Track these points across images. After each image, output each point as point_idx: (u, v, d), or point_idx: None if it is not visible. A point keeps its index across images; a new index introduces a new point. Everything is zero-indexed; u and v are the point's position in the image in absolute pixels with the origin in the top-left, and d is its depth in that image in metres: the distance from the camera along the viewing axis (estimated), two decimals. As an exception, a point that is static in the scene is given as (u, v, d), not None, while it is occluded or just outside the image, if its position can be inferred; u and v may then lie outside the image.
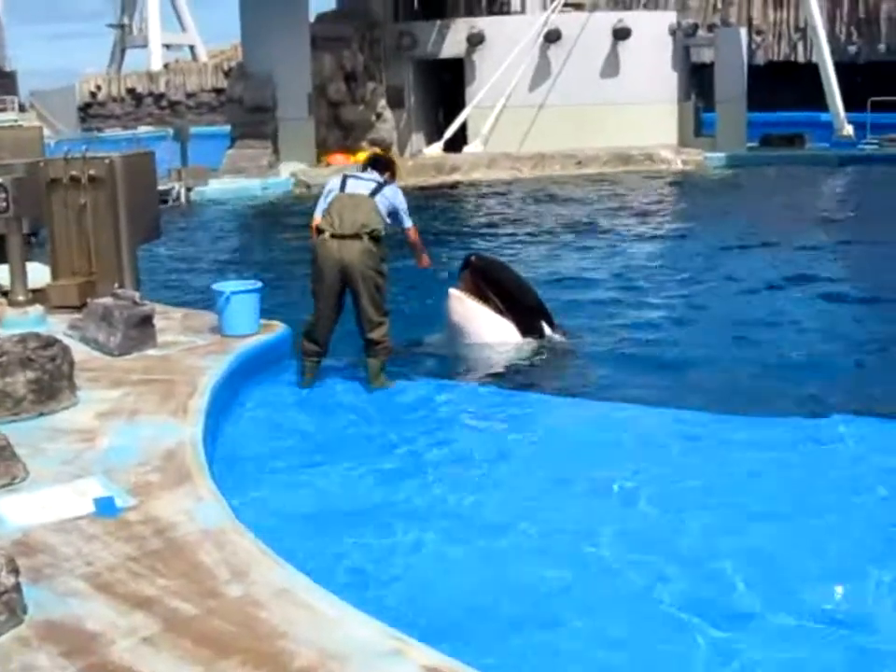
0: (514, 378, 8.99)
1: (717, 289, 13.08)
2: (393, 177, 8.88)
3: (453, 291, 9.29)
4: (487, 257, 9.49)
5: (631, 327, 11.06)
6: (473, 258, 9.42)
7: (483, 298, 9.39)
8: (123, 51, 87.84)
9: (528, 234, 18.76)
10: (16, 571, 4.07)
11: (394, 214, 8.69)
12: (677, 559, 5.31)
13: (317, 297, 8.54)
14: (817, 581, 5.10)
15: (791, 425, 7.54)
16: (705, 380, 8.99)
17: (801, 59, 49.09)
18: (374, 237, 8.33)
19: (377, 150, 30.61)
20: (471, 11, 34.82)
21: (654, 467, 6.66)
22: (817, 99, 32.61)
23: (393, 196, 8.69)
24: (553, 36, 31.73)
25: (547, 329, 9.73)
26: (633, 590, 5.04)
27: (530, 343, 9.53)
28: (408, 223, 8.86)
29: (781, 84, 45.54)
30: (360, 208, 8.44)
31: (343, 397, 8.46)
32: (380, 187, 8.64)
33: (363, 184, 8.63)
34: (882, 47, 48.60)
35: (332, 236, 8.36)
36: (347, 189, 8.59)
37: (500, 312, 9.40)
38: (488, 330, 9.38)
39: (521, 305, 9.53)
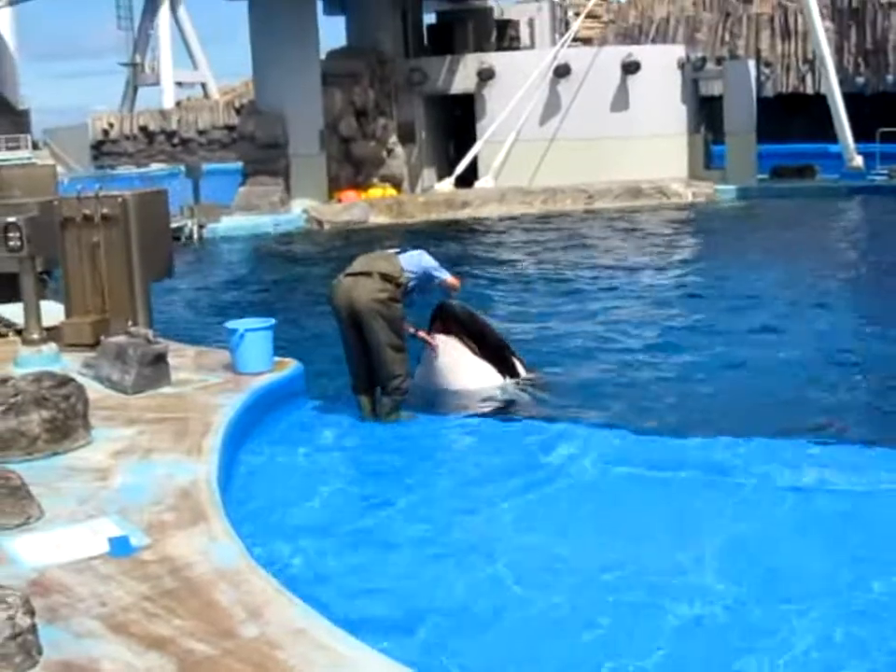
0: (510, 413, 9.01)
1: (722, 321, 13.09)
2: None
3: (440, 336, 9.26)
4: (457, 303, 9.49)
5: (619, 360, 11.18)
6: (445, 305, 9.40)
7: (459, 342, 9.40)
8: (136, 89, 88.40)
9: (527, 270, 18.82)
10: (31, 612, 4.06)
11: (426, 274, 8.79)
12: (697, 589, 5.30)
13: (342, 336, 8.65)
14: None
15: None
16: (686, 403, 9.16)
17: (809, 90, 49.14)
18: (387, 279, 8.38)
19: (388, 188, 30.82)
20: (481, 47, 34.98)
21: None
22: (826, 130, 32.63)
23: (419, 256, 8.87)
24: (562, 71, 31.84)
25: (520, 369, 9.73)
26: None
27: (510, 383, 9.53)
28: (444, 275, 8.97)
29: (790, 116, 45.63)
30: (382, 256, 8.70)
31: (360, 431, 8.45)
32: (404, 250, 8.86)
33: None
34: (890, 77, 48.64)
35: (346, 275, 8.50)
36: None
37: (476, 353, 9.41)
38: (473, 374, 9.38)
39: (494, 348, 9.54)
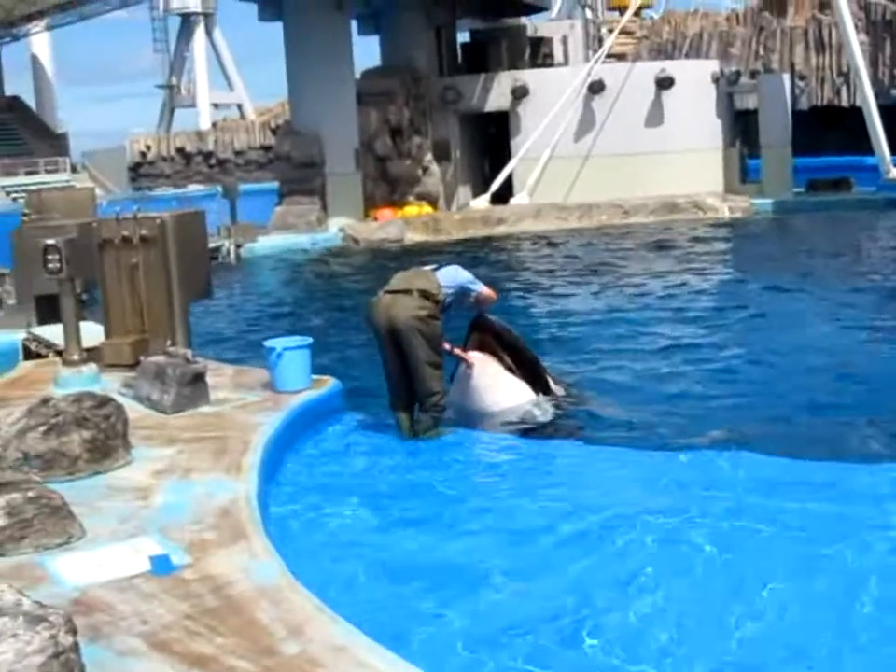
0: (545, 431, 8.95)
1: (762, 336, 12.98)
2: None
3: (476, 353, 9.25)
4: (494, 318, 9.47)
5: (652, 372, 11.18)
6: (482, 318, 9.39)
7: (495, 356, 9.36)
8: (172, 111, 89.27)
9: (562, 286, 18.77)
10: (74, 631, 4.07)
11: (462, 288, 8.83)
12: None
13: (380, 353, 8.66)
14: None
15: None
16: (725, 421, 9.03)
17: (844, 103, 48.88)
18: (426, 295, 8.41)
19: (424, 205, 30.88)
20: (515, 64, 35.05)
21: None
22: (862, 143, 32.41)
23: (455, 271, 8.94)
24: (596, 87, 31.84)
25: (553, 385, 9.71)
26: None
27: (543, 399, 9.49)
28: (480, 287, 9.00)
29: (826, 128, 45.41)
30: (420, 273, 8.72)
31: (398, 449, 8.45)
32: (440, 267, 8.92)
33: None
34: (927, 89, 48.37)
35: (385, 292, 8.53)
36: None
37: (511, 370, 9.39)
38: (508, 392, 9.34)
39: (528, 364, 9.51)
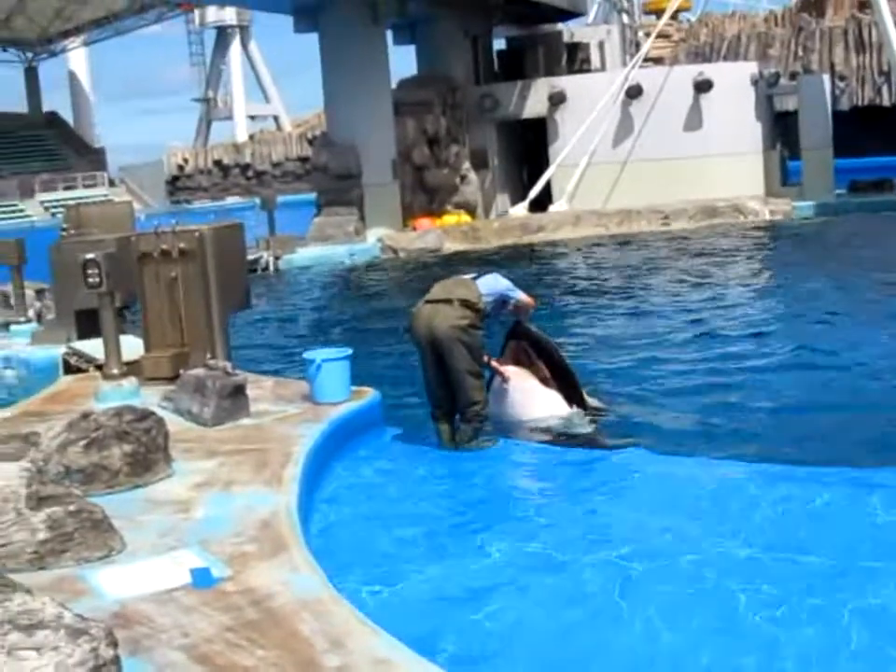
0: (581, 441, 8.89)
1: (809, 345, 12.71)
2: None
3: (512, 367, 9.21)
4: (532, 327, 9.42)
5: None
6: (521, 325, 9.35)
7: (530, 366, 9.33)
8: (209, 124, 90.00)
9: (602, 294, 18.64)
10: (115, 644, 4.06)
11: (501, 296, 8.83)
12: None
13: (421, 363, 8.63)
14: None
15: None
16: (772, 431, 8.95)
17: (886, 102, 48.55)
18: (467, 305, 8.37)
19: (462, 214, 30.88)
20: (551, 71, 35.02)
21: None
22: (904, 143, 32.22)
23: (494, 279, 8.93)
24: (634, 92, 31.74)
25: (586, 396, 9.63)
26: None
27: (576, 411, 9.41)
28: (518, 294, 8.97)
29: (867, 129, 45.05)
30: (460, 282, 8.69)
31: (437, 460, 8.41)
32: (480, 275, 8.90)
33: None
34: (969, 86, 47.90)
35: (426, 302, 8.50)
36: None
37: (546, 381, 9.33)
38: (543, 405, 9.29)
39: (564, 374, 9.45)
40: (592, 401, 9.66)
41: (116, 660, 4.02)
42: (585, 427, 9.20)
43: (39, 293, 14.80)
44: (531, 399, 9.22)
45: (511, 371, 9.17)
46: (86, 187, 70.33)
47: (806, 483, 7.24)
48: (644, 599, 5.43)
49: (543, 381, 9.31)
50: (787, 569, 5.75)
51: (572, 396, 9.42)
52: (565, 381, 9.41)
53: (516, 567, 6.03)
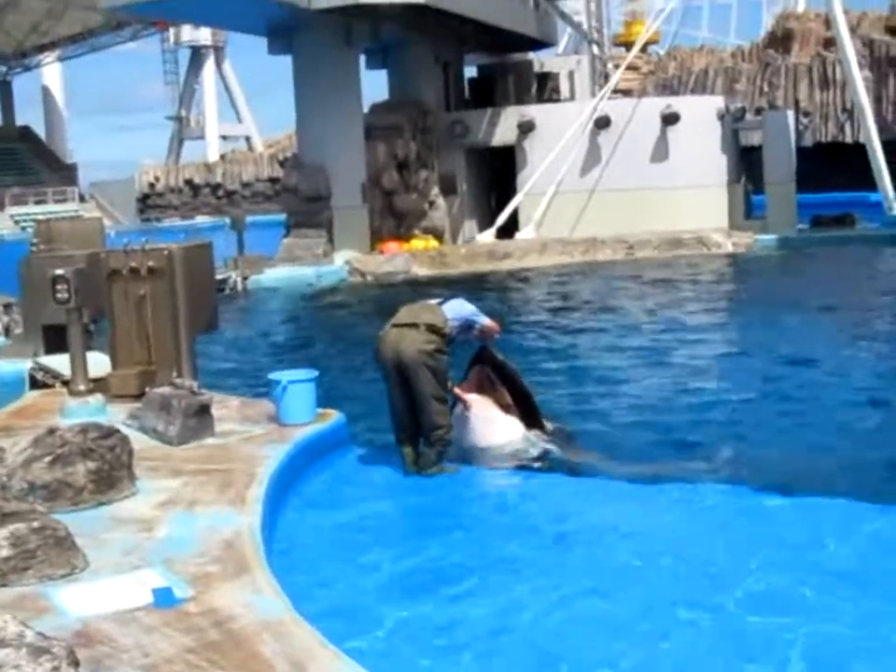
0: (538, 466, 8.99)
1: (760, 376, 12.89)
2: None
3: (474, 396, 9.26)
4: (496, 351, 9.51)
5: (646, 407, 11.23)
6: (486, 350, 9.42)
7: (493, 392, 9.38)
8: (181, 143, 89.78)
9: (564, 321, 18.77)
10: (76, 663, 4.09)
11: (466, 321, 8.90)
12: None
13: (386, 386, 8.67)
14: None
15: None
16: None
17: (849, 139, 48.92)
18: (433, 330, 8.44)
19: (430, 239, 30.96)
20: (521, 99, 35.19)
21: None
22: (866, 179, 32.49)
23: (460, 304, 9.00)
24: (602, 123, 31.95)
25: (546, 422, 9.71)
26: None
27: (536, 436, 9.50)
28: (483, 319, 9.04)
29: (830, 165, 45.41)
30: (426, 307, 8.75)
31: (400, 484, 8.46)
32: (446, 300, 8.96)
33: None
34: (931, 126, 48.45)
35: (393, 326, 8.55)
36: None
37: (507, 407, 9.40)
38: (504, 431, 9.35)
39: (526, 400, 9.53)
40: (551, 426, 9.74)
41: (78, 678, 4.06)
42: (541, 451, 9.27)
43: (7, 307, 14.74)
44: (492, 427, 9.28)
45: (473, 398, 9.24)
46: (56, 202, 69.92)
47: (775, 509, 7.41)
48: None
49: (505, 408, 9.38)
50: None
51: (532, 422, 9.51)
52: (526, 407, 9.49)
53: (475, 593, 6.10)
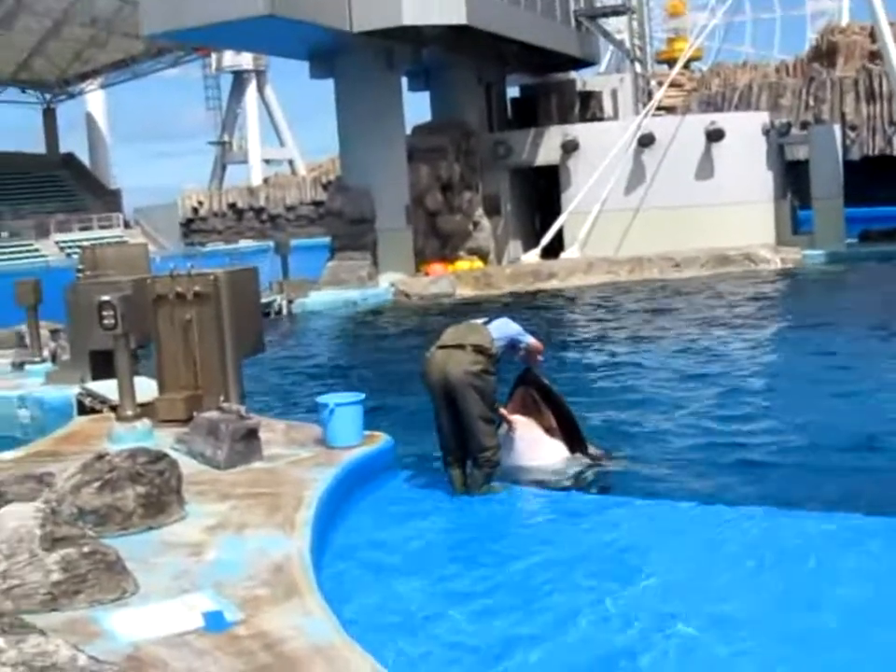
0: (583, 488, 8.92)
1: (815, 396, 12.69)
2: None
3: (519, 418, 9.23)
4: (540, 374, 9.46)
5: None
6: (530, 374, 9.37)
7: (537, 414, 9.35)
8: (224, 167, 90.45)
9: (610, 342, 18.62)
10: (128, 688, 4.08)
11: (511, 341, 8.86)
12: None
13: (434, 409, 8.64)
14: None
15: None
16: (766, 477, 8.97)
17: (896, 152, 48.62)
18: (479, 350, 8.40)
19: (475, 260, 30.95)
20: (564, 119, 35.21)
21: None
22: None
23: (505, 325, 8.95)
24: (646, 140, 31.90)
25: (590, 446, 9.64)
26: None
27: (579, 459, 9.44)
28: (528, 339, 9.02)
29: (877, 178, 45.08)
30: (472, 327, 8.70)
31: (449, 505, 8.41)
32: (491, 320, 8.93)
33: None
34: (979, 137, 47.98)
35: (439, 347, 8.53)
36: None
37: (551, 430, 9.36)
38: (547, 455, 9.32)
39: (570, 424, 9.48)
40: (596, 451, 9.68)
41: (130, 703, 4.04)
42: (590, 475, 9.22)
43: (54, 333, 14.87)
44: (536, 449, 9.26)
45: (518, 420, 9.20)
46: (101, 228, 70.84)
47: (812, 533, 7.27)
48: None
49: (549, 430, 9.35)
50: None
51: (576, 445, 9.46)
52: (570, 430, 9.44)
53: (528, 615, 6.03)
